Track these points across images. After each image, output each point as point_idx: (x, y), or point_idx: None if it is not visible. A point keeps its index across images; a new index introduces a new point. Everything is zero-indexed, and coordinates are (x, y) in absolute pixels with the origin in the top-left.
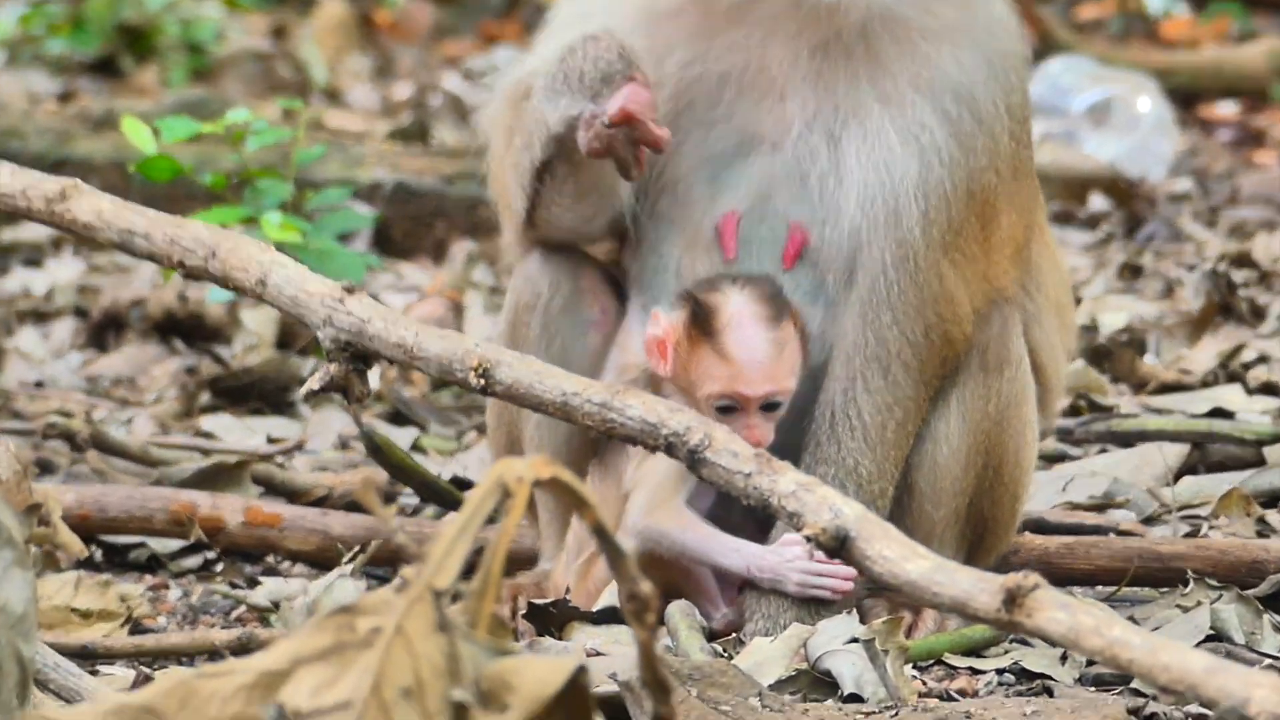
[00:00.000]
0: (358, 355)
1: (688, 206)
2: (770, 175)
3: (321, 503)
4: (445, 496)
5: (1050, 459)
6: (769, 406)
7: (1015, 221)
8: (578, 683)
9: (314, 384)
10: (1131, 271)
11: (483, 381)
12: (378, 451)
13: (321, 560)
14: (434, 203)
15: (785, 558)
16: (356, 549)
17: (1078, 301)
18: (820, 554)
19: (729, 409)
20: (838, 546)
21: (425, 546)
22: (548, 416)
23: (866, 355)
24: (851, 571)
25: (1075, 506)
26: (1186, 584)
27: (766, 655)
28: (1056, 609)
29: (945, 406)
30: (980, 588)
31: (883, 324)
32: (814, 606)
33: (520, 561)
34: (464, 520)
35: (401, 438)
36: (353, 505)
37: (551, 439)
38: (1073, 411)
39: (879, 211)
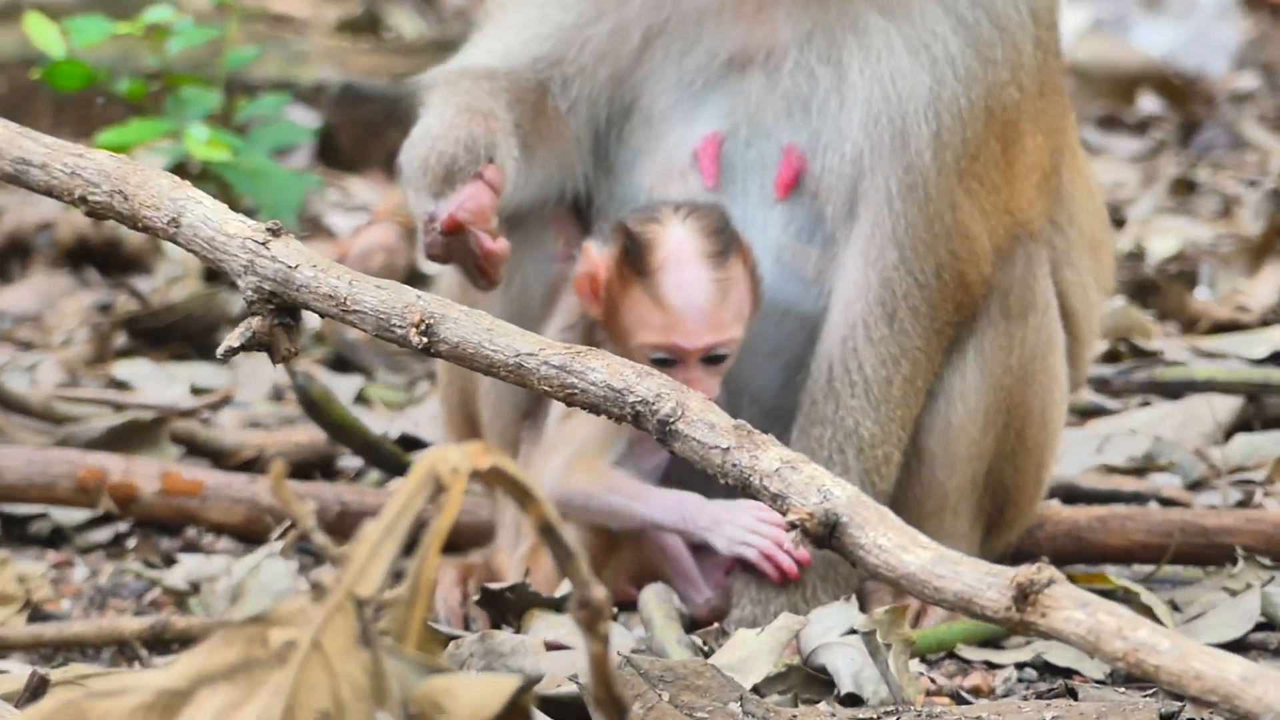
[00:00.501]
0: (284, 307)
1: (661, 129)
2: (758, 93)
3: (250, 466)
4: (391, 460)
5: (1083, 413)
6: (712, 359)
7: (1042, 144)
8: (518, 705)
9: (233, 340)
10: (1184, 187)
11: (425, 340)
12: (314, 407)
13: (250, 534)
14: (387, 107)
15: (735, 514)
16: (289, 522)
17: (1120, 224)
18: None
19: (665, 361)
20: (826, 534)
21: (346, 548)
22: (499, 379)
23: (869, 300)
24: (806, 557)
25: (1111, 470)
26: (1235, 562)
27: (752, 649)
28: (1074, 607)
29: (961, 358)
30: (987, 582)
31: (888, 263)
32: (808, 591)
33: (473, 535)
34: (390, 519)
35: (344, 387)
36: (289, 469)
37: (511, 396)
38: (1110, 357)
39: (884, 133)
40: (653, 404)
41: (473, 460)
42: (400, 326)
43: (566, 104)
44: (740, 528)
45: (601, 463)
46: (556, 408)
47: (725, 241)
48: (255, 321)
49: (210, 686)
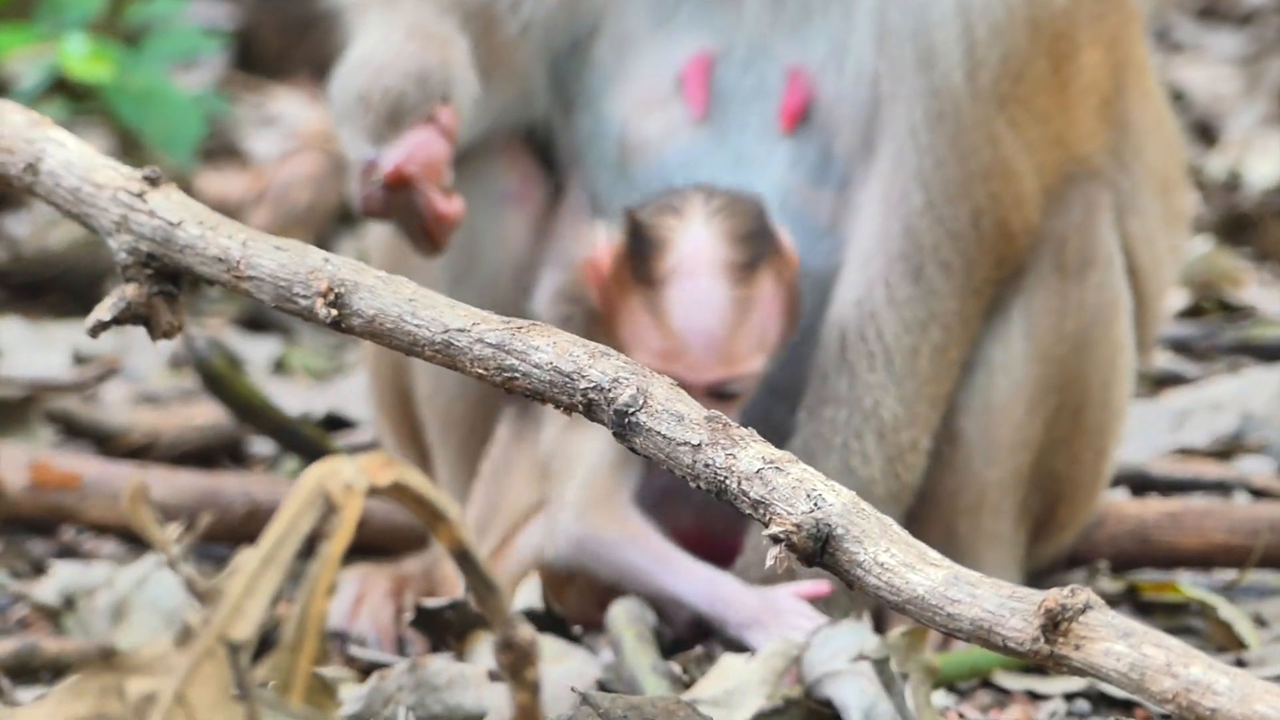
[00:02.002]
0: (164, 273)
1: (635, 50)
2: (756, 4)
3: (140, 454)
4: (310, 445)
5: (1156, 383)
6: (723, 394)
7: (1101, 60)
8: None
9: (103, 313)
10: None
11: (334, 312)
12: (217, 383)
13: (138, 537)
14: (315, 3)
15: (778, 610)
16: (185, 522)
17: (1211, 141)
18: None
19: None
20: (817, 549)
21: (217, 582)
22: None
23: (890, 253)
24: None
25: (1189, 453)
26: None
27: (741, 679)
28: (1114, 638)
29: (1004, 324)
30: (1011, 608)
31: (913, 209)
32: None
33: (408, 540)
34: (270, 546)
35: (259, 352)
36: (186, 456)
37: (450, 377)
38: (1192, 313)
39: (904, 50)
40: (608, 391)
41: (370, 475)
42: (304, 296)
43: (519, 24)
44: (785, 626)
45: (621, 498)
46: (555, 419)
47: (755, 250)
48: (130, 289)
49: None
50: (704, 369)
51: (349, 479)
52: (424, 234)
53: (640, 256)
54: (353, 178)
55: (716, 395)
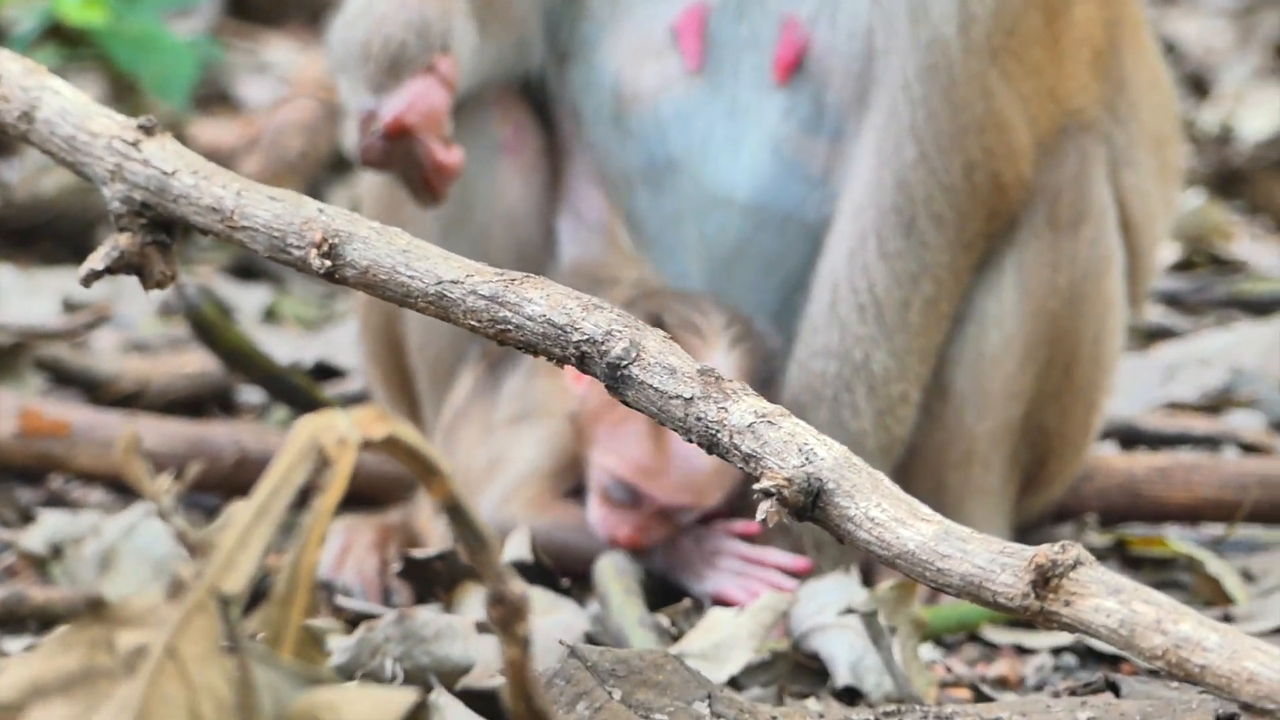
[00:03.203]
0: (158, 222)
1: (628, 0)
2: None
3: (130, 402)
4: (299, 394)
5: (1146, 337)
6: (670, 515)
7: (1094, 14)
8: None
9: (96, 262)
10: None
11: (328, 263)
12: (207, 331)
13: (128, 486)
14: None
15: (713, 552)
16: (175, 471)
17: (1204, 94)
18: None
19: (620, 500)
20: (808, 503)
21: (208, 533)
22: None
23: (883, 206)
24: (806, 564)
25: (1178, 407)
26: None
27: (729, 632)
28: (1104, 595)
29: (996, 277)
30: (1001, 564)
31: (906, 161)
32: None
33: (392, 490)
34: (263, 499)
35: (249, 301)
36: (175, 405)
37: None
38: (1183, 266)
39: (898, 4)
40: (601, 344)
41: (363, 428)
42: (298, 247)
43: None
44: (719, 572)
45: (547, 498)
46: (526, 361)
47: (764, 395)
48: (124, 239)
49: (44, 700)
50: (675, 495)
51: (342, 432)
52: (423, 184)
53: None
54: (349, 126)
55: (665, 515)
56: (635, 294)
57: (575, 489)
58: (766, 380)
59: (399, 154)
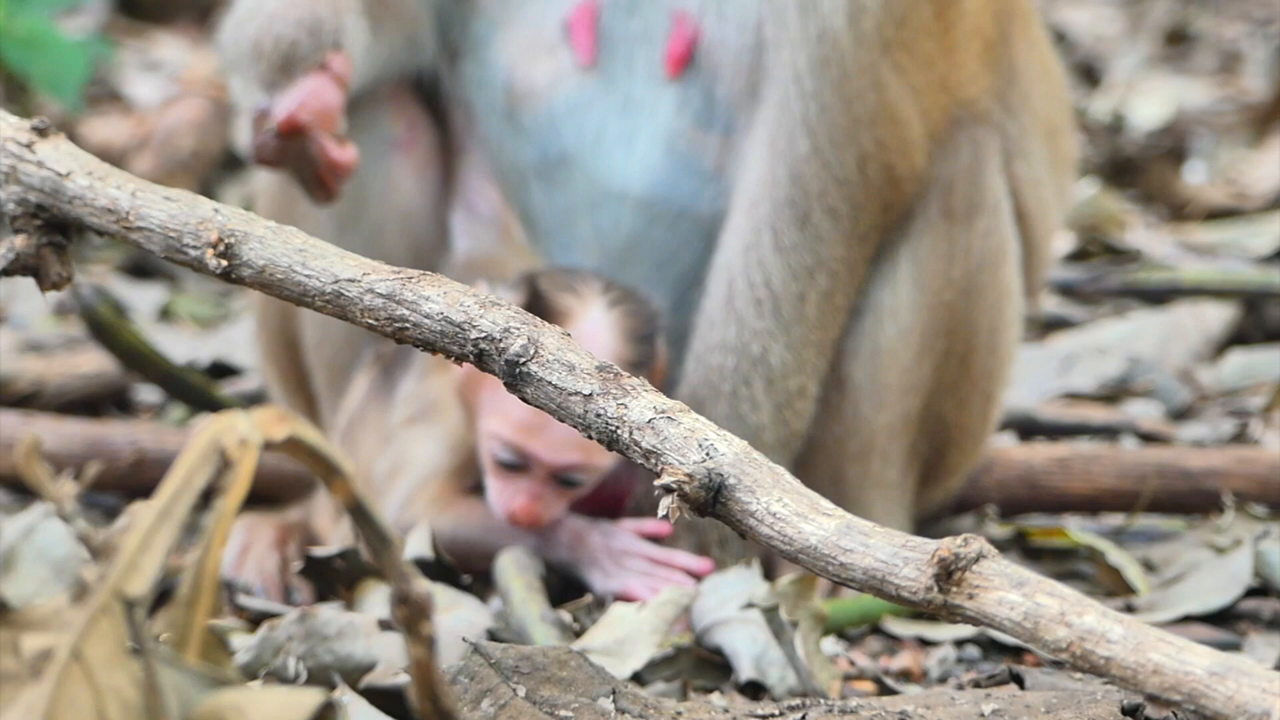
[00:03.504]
0: (53, 224)
1: None
2: None
3: (26, 402)
4: (196, 393)
5: (1043, 327)
6: (566, 480)
7: (985, 4)
8: None
9: None
10: (1178, 39)
11: (224, 263)
12: (103, 331)
13: (26, 487)
14: None
15: (617, 550)
16: (73, 472)
17: (1095, 82)
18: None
19: (509, 464)
20: (709, 499)
21: (111, 536)
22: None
23: (777, 199)
24: (707, 566)
25: (1076, 397)
26: (1223, 511)
27: (631, 628)
28: (1008, 588)
29: (892, 269)
30: (904, 558)
31: (799, 155)
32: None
33: (291, 488)
34: (166, 501)
35: (144, 299)
36: (72, 405)
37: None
38: (1077, 256)
39: None
40: (499, 341)
41: (265, 429)
42: (194, 247)
43: None
44: (624, 570)
45: (449, 496)
46: (419, 362)
47: (643, 352)
48: (19, 240)
49: None
50: (560, 451)
51: (244, 433)
52: (318, 182)
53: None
54: (241, 125)
55: (559, 480)
56: (518, 274)
57: (477, 485)
58: (648, 338)
59: (293, 152)
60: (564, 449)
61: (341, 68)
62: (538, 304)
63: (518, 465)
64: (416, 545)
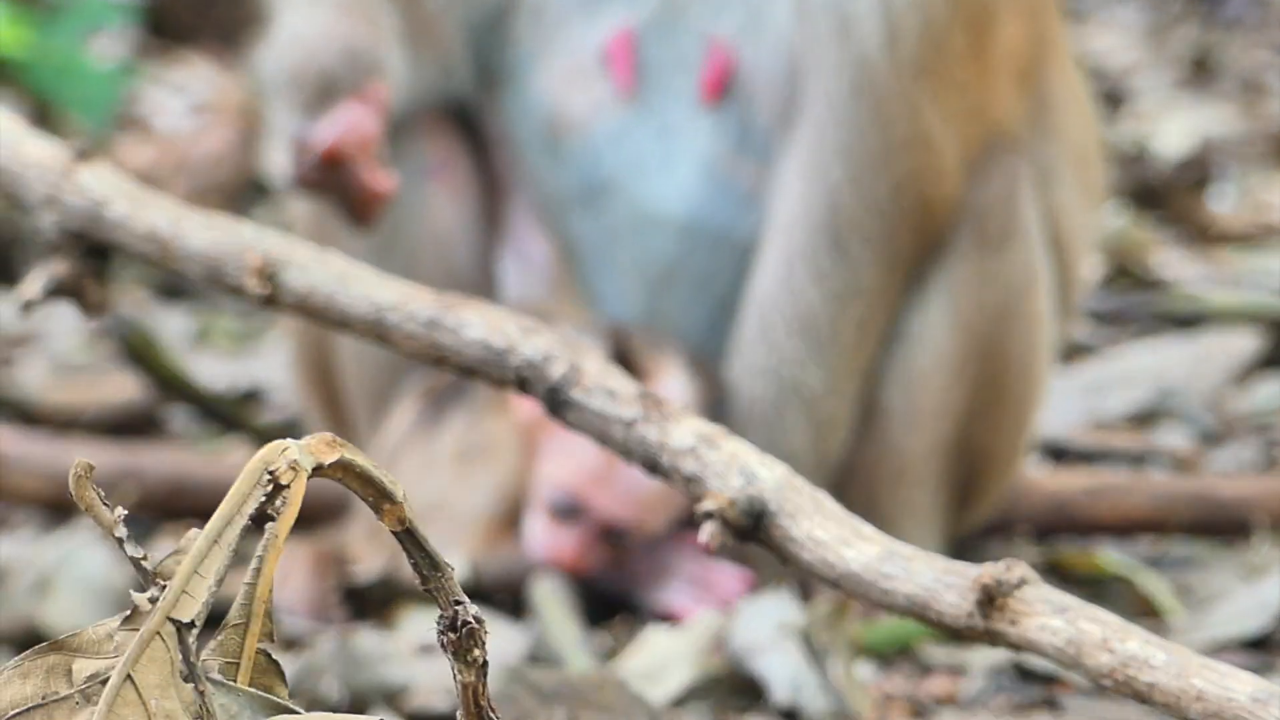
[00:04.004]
0: (93, 249)
1: (556, 26)
2: None
3: (59, 426)
4: (230, 418)
5: (1073, 353)
6: (615, 535)
7: (1018, 31)
8: None
9: (33, 290)
10: (1202, 68)
11: (268, 289)
12: (136, 357)
13: (60, 509)
14: None
15: (667, 565)
16: (108, 496)
17: (1118, 109)
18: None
19: (561, 509)
20: (751, 525)
21: (163, 561)
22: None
23: (812, 225)
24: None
25: (1105, 424)
26: (1254, 537)
27: (666, 653)
28: (1050, 614)
29: (925, 296)
30: (946, 583)
31: (834, 182)
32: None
33: (324, 509)
34: (217, 526)
35: (177, 324)
36: (105, 429)
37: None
38: (1106, 283)
39: (820, 22)
40: (540, 367)
41: (316, 454)
42: (236, 273)
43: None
44: (676, 586)
45: (494, 540)
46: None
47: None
48: (59, 266)
49: None
50: (617, 506)
51: (295, 457)
52: (356, 209)
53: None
54: (272, 151)
55: (609, 535)
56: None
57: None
58: (718, 404)
59: (332, 180)
60: (623, 506)
61: (381, 96)
62: (624, 358)
63: (571, 513)
64: (458, 569)
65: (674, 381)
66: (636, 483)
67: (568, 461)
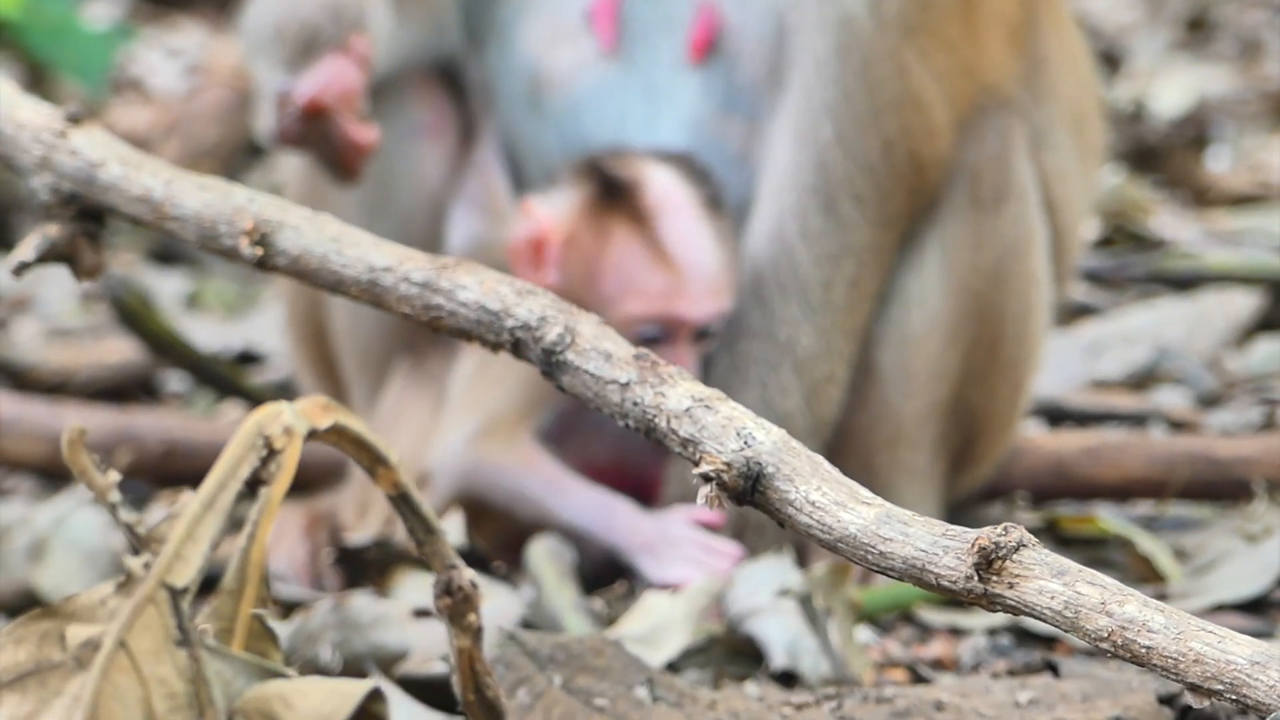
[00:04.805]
0: (87, 212)
1: None
2: None
3: (54, 391)
4: (224, 380)
5: (1071, 314)
6: (702, 334)
7: None
8: (368, 712)
9: (27, 253)
10: (1199, 27)
11: (259, 251)
12: (131, 319)
13: (55, 473)
14: None
15: (672, 539)
16: (103, 459)
17: (1115, 70)
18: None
19: (652, 339)
20: (748, 487)
21: (157, 525)
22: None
23: (802, 186)
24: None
25: (1104, 385)
26: (1254, 499)
27: (664, 617)
28: (1048, 576)
29: (919, 257)
30: (944, 546)
31: (823, 141)
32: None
33: (321, 474)
34: (210, 491)
35: (170, 287)
36: (99, 393)
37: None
38: (1104, 244)
39: None
40: (535, 329)
41: (310, 418)
42: (229, 236)
43: None
44: (678, 558)
45: (521, 433)
46: (471, 356)
47: (711, 187)
48: (53, 229)
49: None
50: (702, 302)
51: (289, 422)
52: (340, 163)
53: (620, 198)
54: (262, 110)
55: (701, 336)
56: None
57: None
58: (714, 201)
59: (315, 133)
60: (705, 301)
61: (363, 49)
62: (613, 182)
63: (658, 337)
64: (451, 533)
65: (667, 183)
66: (705, 269)
67: (643, 292)
